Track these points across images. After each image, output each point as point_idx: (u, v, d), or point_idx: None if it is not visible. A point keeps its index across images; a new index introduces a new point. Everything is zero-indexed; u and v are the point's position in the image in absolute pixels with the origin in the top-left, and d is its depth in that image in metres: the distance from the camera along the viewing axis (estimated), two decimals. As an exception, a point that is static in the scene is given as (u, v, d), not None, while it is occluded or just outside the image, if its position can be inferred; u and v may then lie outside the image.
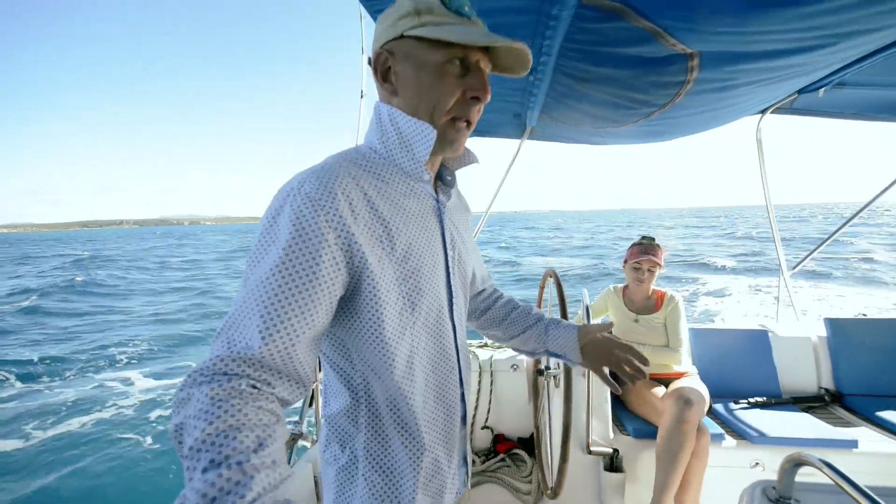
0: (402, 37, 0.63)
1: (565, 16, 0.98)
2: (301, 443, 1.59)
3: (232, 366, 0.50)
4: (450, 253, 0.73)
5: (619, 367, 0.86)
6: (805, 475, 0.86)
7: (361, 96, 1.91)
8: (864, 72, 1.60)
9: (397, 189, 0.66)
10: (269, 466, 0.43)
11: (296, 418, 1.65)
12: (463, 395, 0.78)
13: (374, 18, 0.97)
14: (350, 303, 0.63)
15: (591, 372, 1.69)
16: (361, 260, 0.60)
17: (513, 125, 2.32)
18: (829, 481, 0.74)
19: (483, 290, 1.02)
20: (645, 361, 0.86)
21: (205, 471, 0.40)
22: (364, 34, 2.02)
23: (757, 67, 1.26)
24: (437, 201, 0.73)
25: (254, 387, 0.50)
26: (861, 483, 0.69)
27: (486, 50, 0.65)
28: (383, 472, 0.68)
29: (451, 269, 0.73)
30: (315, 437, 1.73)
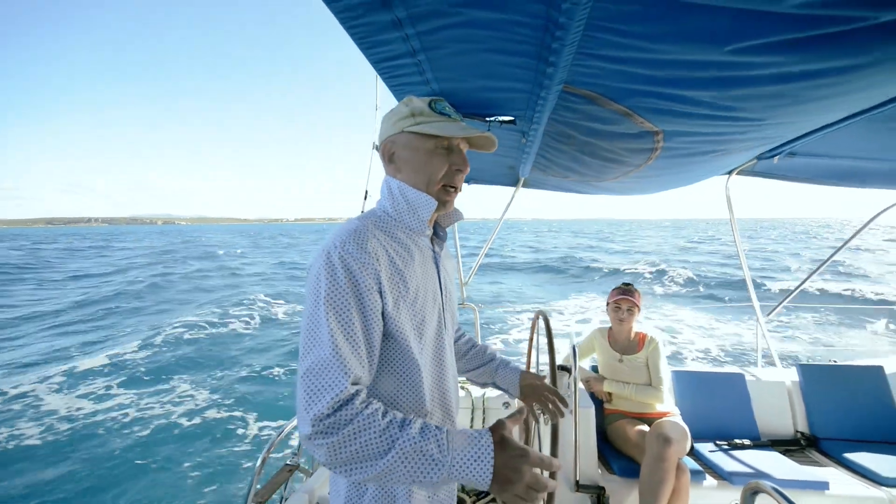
0: (402, 132, 0.88)
1: (552, 97, 1.19)
2: (298, 473, 1.64)
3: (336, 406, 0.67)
4: (444, 292, 0.94)
5: (543, 402, 1.12)
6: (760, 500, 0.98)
7: (373, 148, 2.14)
8: (810, 145, 1.86)
9: (406, 244, 0.87)
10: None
11: (293, 450, 1.70)
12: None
13: (387, 83, 1.19)
14: None
15: (577, 410, 1.80)
16: (386, 300, 0.78)
17: (508, 176, 2.56)
18: None
19: None
20: (565, 404, 1.11)
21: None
22: (378, 91, 2.29)
23: (712, 141, 1.49)
24: (434, 252, 0.95)
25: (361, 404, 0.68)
26: None
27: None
28: None
29: (444, 305, 0.93)
30: (311, 470, 1.77)
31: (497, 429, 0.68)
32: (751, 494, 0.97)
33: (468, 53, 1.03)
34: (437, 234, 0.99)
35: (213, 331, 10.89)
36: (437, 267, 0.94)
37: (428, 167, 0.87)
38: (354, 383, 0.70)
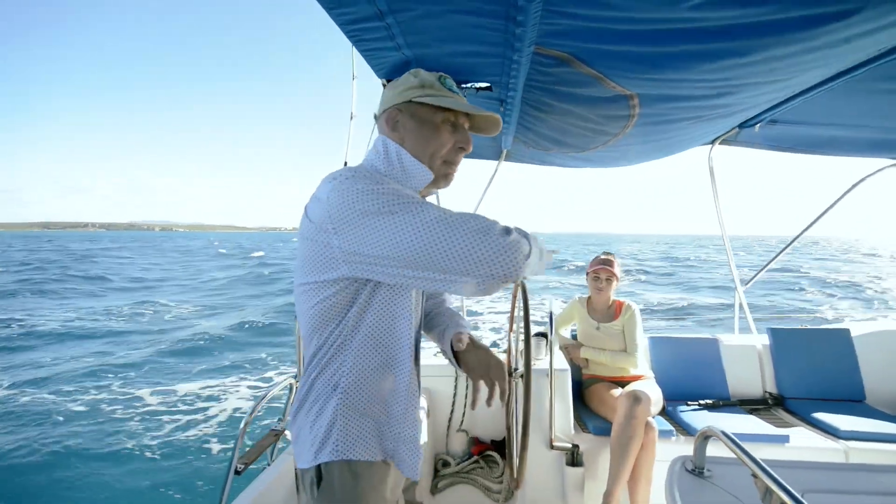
0: (409, 101, 0.88)
1: (524, 60, 1.18)
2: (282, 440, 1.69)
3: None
4: None
5: (486, 378, 1.00)
6: (719, 451, 1.04)
7: (351, 118, 2.10)
8: (790, 112, 1.86)
9: None
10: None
11: (280, 416, 1.75)
12: (418, 372, 0.97)
13: (358, 48, 1.16)
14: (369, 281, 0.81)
15: (552, 372, 1.85)
16: None
17: (490, 148, 2.53)
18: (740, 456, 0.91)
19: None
20: (502, 383, 0.98)
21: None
22: (353, 59, 2.23)
23: (688, 106, 1.49)
24: None
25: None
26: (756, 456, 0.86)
27: (468, 115, 0.93)
28: (357, 414, 0.84)
29: None
30: None
31: None
32: (703, 439, 1.04)
33: (437, 16, 1.00)
34: None
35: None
36: None
37: (434, 140, 0.88)
38: None
